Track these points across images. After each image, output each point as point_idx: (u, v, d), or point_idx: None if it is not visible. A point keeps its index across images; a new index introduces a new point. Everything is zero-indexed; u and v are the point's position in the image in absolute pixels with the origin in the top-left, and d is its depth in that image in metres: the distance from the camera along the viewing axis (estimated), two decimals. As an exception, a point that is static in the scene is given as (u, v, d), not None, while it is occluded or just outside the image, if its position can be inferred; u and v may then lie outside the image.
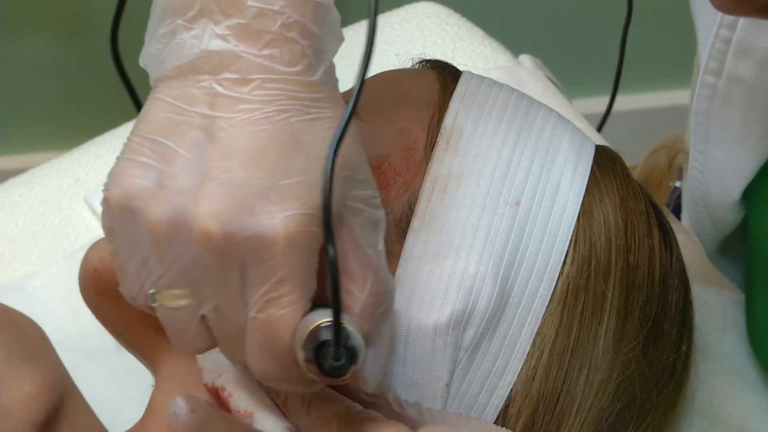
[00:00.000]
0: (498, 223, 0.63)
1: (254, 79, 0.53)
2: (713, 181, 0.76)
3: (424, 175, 0.64)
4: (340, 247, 0.53)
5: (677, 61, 1.64)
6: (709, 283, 0.87)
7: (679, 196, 0.99)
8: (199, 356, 0.62)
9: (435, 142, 0.65)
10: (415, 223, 0.63)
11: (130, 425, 0.69)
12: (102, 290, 0.67)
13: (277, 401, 0.61)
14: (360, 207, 0.54)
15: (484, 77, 0.69)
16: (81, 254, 0.70)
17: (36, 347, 0.72)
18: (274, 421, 0.60)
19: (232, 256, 0.51)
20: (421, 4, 1.14)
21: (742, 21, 0.69)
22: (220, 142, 0.52)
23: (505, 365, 0.63)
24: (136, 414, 0.70)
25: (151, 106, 0.54)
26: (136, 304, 0.56)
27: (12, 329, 0.71)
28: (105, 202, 0.54)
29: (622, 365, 0.65)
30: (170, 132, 0.53)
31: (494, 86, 0.68)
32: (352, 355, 0.53)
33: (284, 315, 0.52)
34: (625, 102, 1.71)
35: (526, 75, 1.06)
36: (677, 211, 1.01)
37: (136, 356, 0.71)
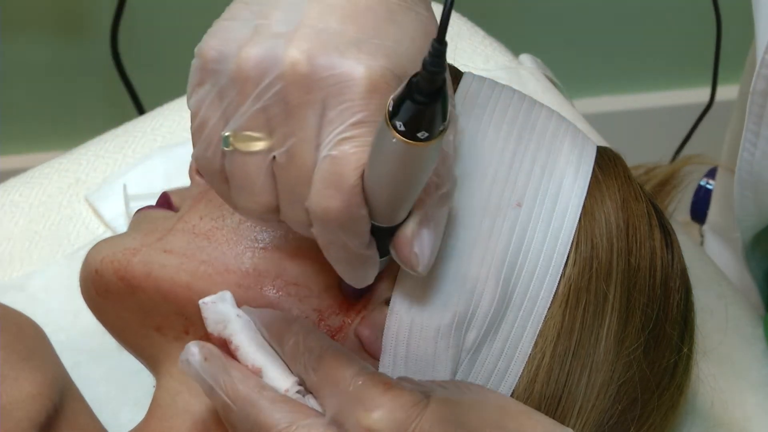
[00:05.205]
0: (499, 225, 0.63)
1: None
2: (765, 163, 0.76)
3: (426, 176, 0.64)
4: None
5: (685, 61, 1.65)
6: (710, 285, 0.87)
7: (705, 194, 0.99)
8: (203, 306, 0.62)
9: (436, 143, 0.64)
10: (417, 224, 0.63)
11: (130, 425, 0.69)
12: (103, 291, 0.67)
13: (283, 356, 0.60)
14: None
15: (486, 78, 0.69)
16: (81, 254, 0.70)
17: (36, 347, 0.72)
18: (283, 376, 0.60)
19: (314, 92, 0.53)
20: (421, 5, 1.14)
21: None
22: (319, 1, 0.54)
23: (506, 367, 0.63)
24: (136, 414, 0.70)
25: None
26: (206, 163, 0.57)
27: (12, 329, 0.71)
28: (198, 51, 0.55)
29: (624, 367, 0.65)
30: None
31: (495, 88, 0.68)
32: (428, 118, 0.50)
33: (356, 153, 0.53)
34: (628, 101, 1.71)
35: (527, 75, 1.06)
36: (703, 207, 1.01)
37: (136, 356, 0.71)
